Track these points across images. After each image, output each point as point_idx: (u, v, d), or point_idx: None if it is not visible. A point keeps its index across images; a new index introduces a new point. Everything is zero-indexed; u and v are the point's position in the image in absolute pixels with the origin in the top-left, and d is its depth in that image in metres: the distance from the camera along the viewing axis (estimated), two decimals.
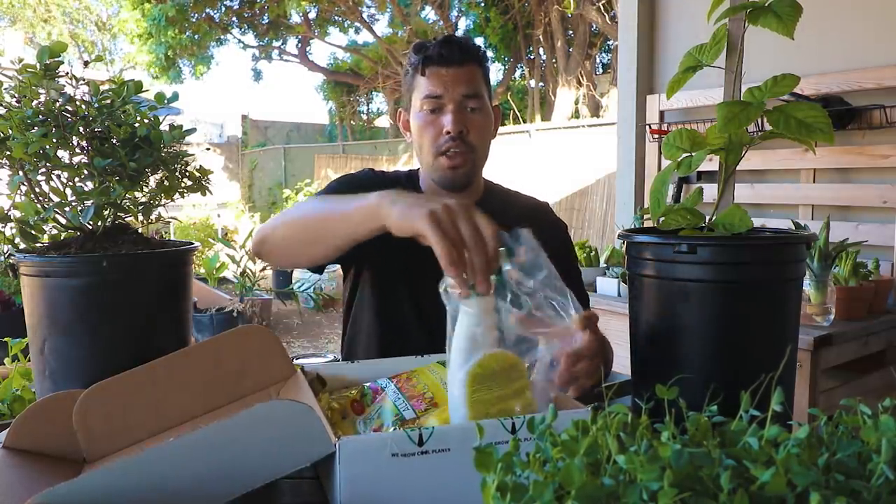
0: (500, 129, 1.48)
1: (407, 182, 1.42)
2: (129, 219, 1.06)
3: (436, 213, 0.83)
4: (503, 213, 1.34)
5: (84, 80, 1.00)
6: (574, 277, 1.47)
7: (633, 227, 2.47)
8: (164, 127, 1.04)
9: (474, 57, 1.34)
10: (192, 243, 1.08)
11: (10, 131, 0.93)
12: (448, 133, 1.29)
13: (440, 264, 0.81)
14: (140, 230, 1.08)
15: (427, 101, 1.31)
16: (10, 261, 1.02)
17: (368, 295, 1.38)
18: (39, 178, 0.99)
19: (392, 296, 1.36)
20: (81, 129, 0.97)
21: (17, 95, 0.97)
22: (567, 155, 7.79)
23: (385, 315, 1.36)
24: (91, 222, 1.00)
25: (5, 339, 1.31)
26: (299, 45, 15.53)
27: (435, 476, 0.73)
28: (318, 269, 1.33)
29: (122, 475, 0.66)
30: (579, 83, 11.15)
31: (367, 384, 0.94)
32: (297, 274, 6.88)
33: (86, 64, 1.09)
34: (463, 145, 1.31)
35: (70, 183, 0.99)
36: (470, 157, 1.32)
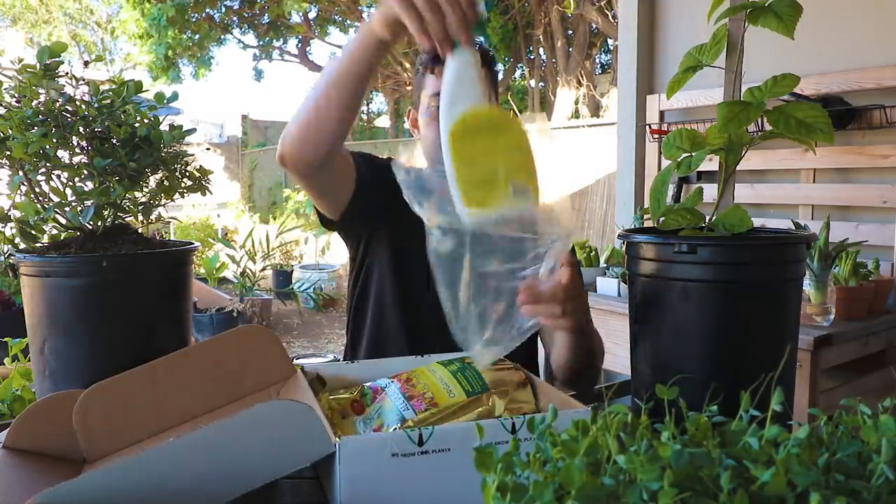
0: None
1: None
2: (129, 219, 1.06)
3: None
4: None
5: (84, 80, 1.00)
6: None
7: (633, 227, 2.47)
8: (164, 127, 1.04)
9: (482, 59, 1.35)
10: (192, 243, 1.08)
11: (10, 131, 0.93)
12: None
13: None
14: (140, 230, 1.08)
15: (434, 99, 1.33)
16: (10, 261, 1.02)
17: (381, 262, 1.38)
18: (39, 178, 0.99)
19: (408, 255, 1.37)
20: (81, 129, 0.97)
21: (17, 95, 0.97)
22: (567, 155, 7.79)
23: (401, 274, 1.37)
24: (91, 222, 1.00)
25: (5, 339, 1.31)
26: (299, 45, 15.53)
27: (435, 476, 0.73)
28: (329, 224, 1.35)
29: (122, 475, 0.66)
30: (579, 83, 11.14)
31: (367, 384, 0.94)
32: (298, 274, 6.88)
33: (86, 64, 1.09)
34: None
35: (70, 183, 0.99)
36: None
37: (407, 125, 1.48)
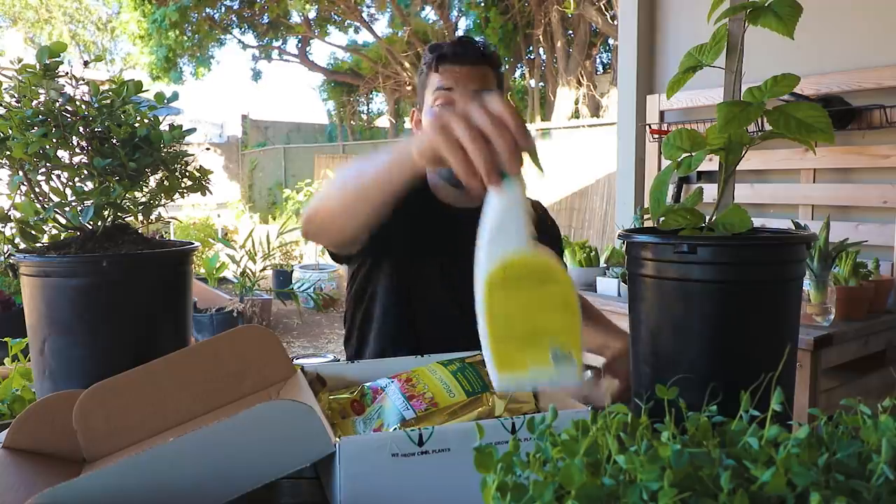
0: None
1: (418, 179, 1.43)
2: (129, 219, 1.06)
3: (443, 120, 0.74)
4: None
5: (84, 80, 1.00)
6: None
7: (633, 227, 2.47)
8: (163, 127, 1.04)
9: (488, 59, 1.35)
10: (192, 243, 1.08)
11: (10, 131, 0.93)
12: None
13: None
14: (140, 230, 1.08)
15: (438, 95, 1.32)
16: (10, 261, 1.01)
17: (389, 279, 1.37)
18: (39, 178, 0.99)
19: (421, 275, 1.36)
20: (81, 129, 0.97)
21: (17, 95, 0.97)
22: (567, 155, 7.79)
23: (412, 294, 1.35)
24: (91, 222, 1.00)
25: (5, 339, 1.30)
26: (299, 45, 15.54)
27: (435, 476, 0.73)
28: (337, 259, 1.35)
29: (122, 475, 0.66)
30: (579, 83, 11.15)
31: (367, 384, 0.94)
32: (298, 274, 6.88)
33: (86, 64, 1.09)
34: None
35: (70, 183, 0.99)
36: None
37: (408, 124, 1.47)
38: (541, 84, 13.08)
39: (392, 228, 1.33)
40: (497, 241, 0.66)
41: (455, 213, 1.38)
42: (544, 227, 1.52)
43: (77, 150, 0.99)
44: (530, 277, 0.66)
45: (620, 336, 1.40)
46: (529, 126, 8.73)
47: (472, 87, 1.30)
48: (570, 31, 11.49)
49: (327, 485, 0.76)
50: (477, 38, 1.42)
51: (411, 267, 1.36)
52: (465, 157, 0.71)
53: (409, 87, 14.10)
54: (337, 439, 0.71)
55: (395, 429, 0.83)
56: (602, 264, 2.90)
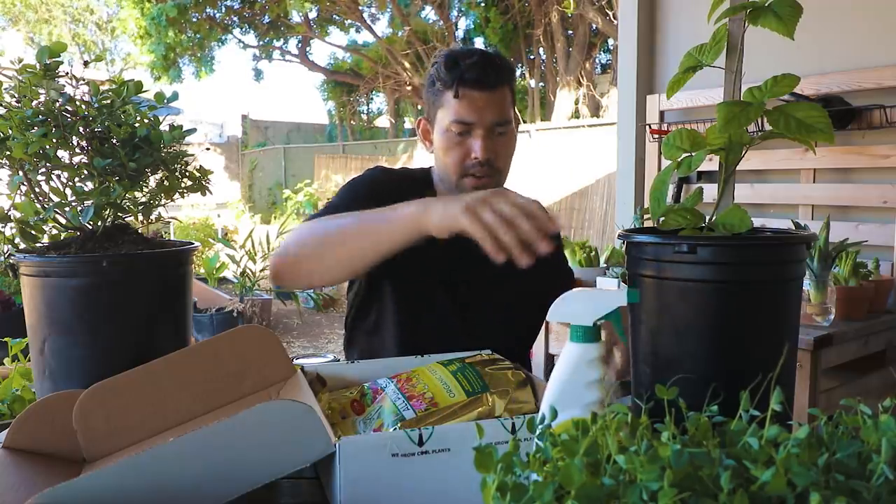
0: None
1: (420, 183, 1.41)
2: (129, 219, 1.06)
3: (472, 206, 0.89)
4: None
5: (84, 80, 1.00)
6: (569, 273, 1.59)
7: (633, 227, 2.47)
8: (164, 127, 1.04)
9: (507, 78, 1.33)
10: (192, 243, 1.08)
11: (10, 131, 0.93)
12: (476, 158, 1.29)
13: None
14: (140, 230, 1.08)
15: (456, 125, 1.28)
16: (10, 261, 1.02)
17: (393, 292, 1.35)
18: (39, 178, 0.99)
19: (423, 298, 1.35)
20: (81, 129, 0.97)
21: (17, 95, 0.97)
22: (567, 155, 7.79)
23: (415, 315, 1.34)
24: (91, 222, 1.00)
25: (5, 339, 1.30)
26: (299, 45, 15.54)
27: (435, 476, 0.73)
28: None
29: (122, 475, 0.66)
30: (579, 83, 11.16)
31: (367, 384, 0.94)
32: None
33: (86, 64, 1.09)
34: (490, 169, 1.31)
35: (70, 183, 0.99)
36: (495, 180, 1.34)
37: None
38: (541, 84, 13.08)
39: (392, 265, 1.30)
40: (561, 404, 0.63)
41: None
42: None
43: (77, 150, 0.99)
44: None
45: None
46: (529, 126, 8.72)
47: (492, 117, 1.28)
48: (570, 32, 11.49)
49: (327, 485, 0.76)
50: (491, 51, 1.40)
51: (416, 279, 1.34)
52: (491, 242, 0.88)
53: (409, 88, 14.10)
54: (337, 439, 0.71)
55: (395, 429, 0.83)
56: (602, 264, 2.90)
